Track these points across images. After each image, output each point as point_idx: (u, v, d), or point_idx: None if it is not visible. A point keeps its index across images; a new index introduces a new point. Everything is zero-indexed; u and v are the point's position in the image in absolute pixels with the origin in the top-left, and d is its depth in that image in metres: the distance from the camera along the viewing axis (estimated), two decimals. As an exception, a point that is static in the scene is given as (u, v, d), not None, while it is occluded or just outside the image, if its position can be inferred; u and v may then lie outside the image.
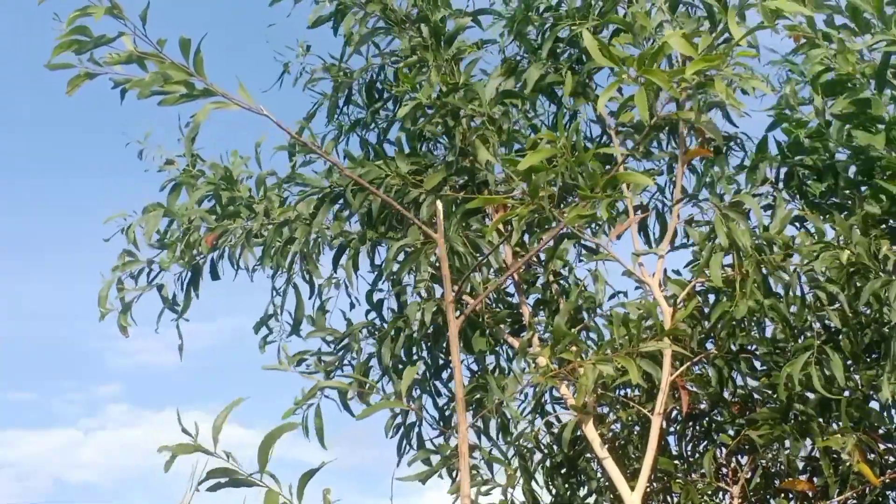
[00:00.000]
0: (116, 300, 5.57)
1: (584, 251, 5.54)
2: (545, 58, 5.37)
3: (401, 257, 5.07)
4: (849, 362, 5.02)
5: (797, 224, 5.32)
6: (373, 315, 5.61)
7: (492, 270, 5.21)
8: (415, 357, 5.45)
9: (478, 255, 5.03)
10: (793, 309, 4.99)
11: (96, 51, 3.60)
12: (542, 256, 5.39)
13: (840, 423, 5.10)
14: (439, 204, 4.10)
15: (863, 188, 5.33)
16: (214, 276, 5.55)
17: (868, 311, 5.10)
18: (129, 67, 3.66)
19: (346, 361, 5.53)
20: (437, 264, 4.66)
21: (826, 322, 5.16)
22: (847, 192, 5.38)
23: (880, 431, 5.25)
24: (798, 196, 5.49)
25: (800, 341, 5.04)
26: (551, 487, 5.62)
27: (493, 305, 5.57)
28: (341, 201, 5.28)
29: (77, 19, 3.56)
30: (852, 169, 5.39)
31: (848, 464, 5.00)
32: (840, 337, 5.09)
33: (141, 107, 3.75)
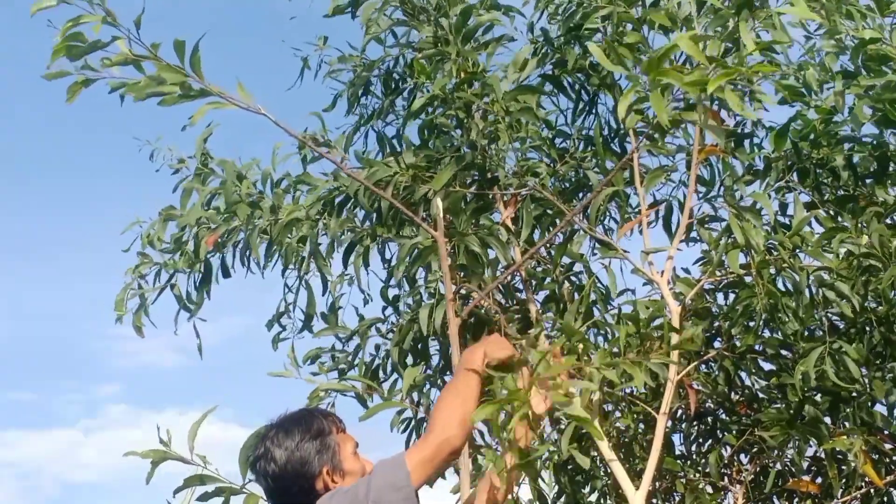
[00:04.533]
0: (129, 302, 5.63)
1: (597, 245, 5.52)
2: (566, 34, 5.36)
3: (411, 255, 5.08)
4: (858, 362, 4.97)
5: (809, 224, 5.29)
6: (389, 311, 5.63)
7: (500, 267, 5.21)
8: (425, 353, 5.47)
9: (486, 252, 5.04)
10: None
11: (92, 55, 3.64)
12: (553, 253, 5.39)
13: (847, 424, 5.08)
14: (438, 201, 4.11)
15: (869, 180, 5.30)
16: (225, 273, 5.59)
17: (878, 308, 5.06)
18: (126, 70, 3.70)
19: (359, 358, 5.56)
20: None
21: (834, 322, 5.15)
22: (860, 185, 5.34)
23: (885, 432, 5.21)
24: (813, 192, 5.45)
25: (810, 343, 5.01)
26: (556, 485, 5.63)
27: (505, 303, 5.57)
28: (350, 203, 5.28)
29: (70, 29, 3.58)
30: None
31: (853, 465, 4.97)
32: (851, 332, 5.07)
33: (142, 106, 3.78)
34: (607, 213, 5.66)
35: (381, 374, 5.64)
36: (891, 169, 5.27)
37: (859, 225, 4.95)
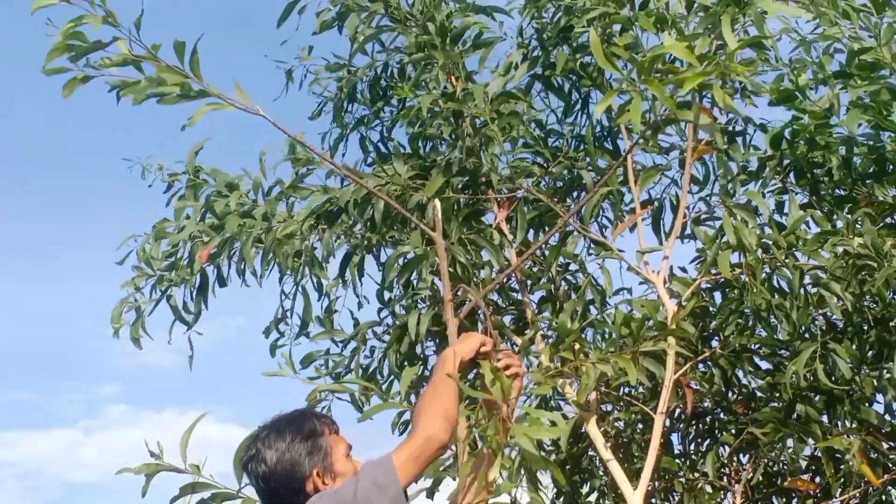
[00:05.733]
0: (127, 314, 5.61)
1: (592, 245, 5.52)
2: (555, 37, 5.36)
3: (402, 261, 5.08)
4: (850, 364, 4.97)
5: (806, 223, 5.29)
6: (384, 313, 5.62)
7: (494, 270, 5.21)
8: (421, 355, 5.47)
9: (480, 255, 5.04)
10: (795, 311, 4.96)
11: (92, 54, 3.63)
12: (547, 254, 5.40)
13: (843, 423, 5.10)
14: (437, 202, 4.12)
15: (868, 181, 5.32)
16: (221, 283, 5.58)
17: (874, 307, 5.07)
18: (125, 71, 3.69)
19: (355, 361, 5.55)
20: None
21: (830, 319, 5.16)
22: (859, 185, 5.35)
23: (882, 430, 5.22)
24: (809, 193, 5.46)
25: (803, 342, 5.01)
26: (554, 486, 5.62)
27: (500, 304, 5.58)
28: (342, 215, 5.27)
29: (72, 29, 3.58)
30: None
31: (850, 464, 4.98)
32: (845, 332, 5.08)
33: (141, 107, 3.77)
34: (601, 212, 5.65)
35: (378, 376, 5.63)
36: (889, 169, 5.29)
37: (854, 225, 4.96)
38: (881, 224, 5.09)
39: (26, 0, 3.55)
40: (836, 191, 5.46)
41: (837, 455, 5.20)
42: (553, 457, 5.53)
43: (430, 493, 4.80)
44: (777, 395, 5.29)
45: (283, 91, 6.12)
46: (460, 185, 5.23)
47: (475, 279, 4.98)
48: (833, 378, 4.92)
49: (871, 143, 5.29)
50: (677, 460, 5.54)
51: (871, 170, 5.34)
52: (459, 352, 3.15)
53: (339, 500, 2.74)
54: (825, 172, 5.42)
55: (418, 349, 5.48)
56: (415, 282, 5.22)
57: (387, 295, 5.58)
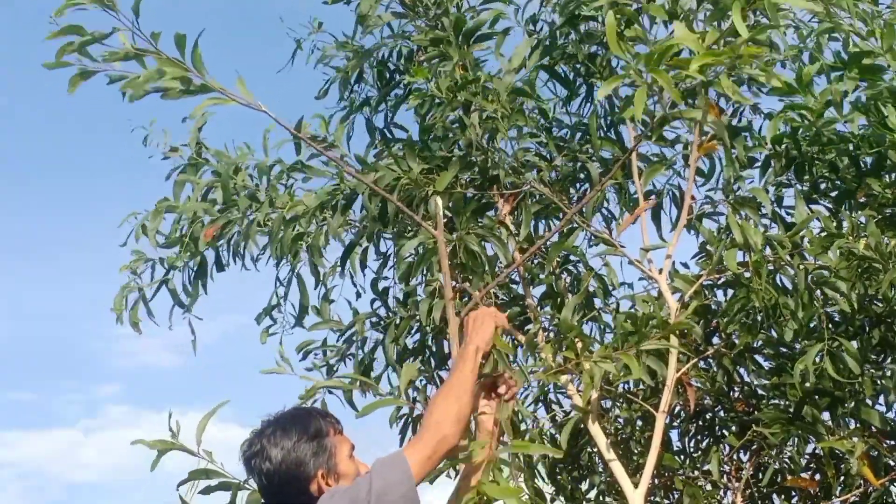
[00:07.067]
0: (127, 298, 5.55)
1: (593, 238, 5.47)
2: (564, 23, 5.30)
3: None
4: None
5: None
6: (378, 304, 5.57)
7: (498, 263, 5.16)
8: (420, 347, 5.43)
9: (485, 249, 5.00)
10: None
11: (93, 47, 3.57)
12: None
13: (846, 423, 5.08)
14: (438, 200, 4.07)
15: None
16: (220, 267, 5.52)
17: (879, 307, 5.04)
18: (127, 65, 3.63)
19: (350, 352, 5.50)
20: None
21: (835, 318, 5.13)
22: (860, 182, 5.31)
23: (886, 429, 5.20)
24: (810, 188, 5.42)
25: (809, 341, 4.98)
26: (555, 482, 5.60)
27: (503, 297, 5.54)
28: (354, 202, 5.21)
29: (67, 9, 3.52)
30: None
31: (851, 464, 4.96)
32: (850, 330, 5.06)
33: (142, 106, 3.72)
34: (605, 203, 5.59)
35: (373, 369, 5.58)
36: (887, 163, 5.25)
37: (857, 224, 4.92)
38: (879, 217, 5.05)
39: (26, 0, 3.50)
40: (836, 182, 5.42)
41: (840, 454, 5.18)
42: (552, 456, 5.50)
43: (432, 479, 4.79)
44: (780, 394, 5.26)
45: (289, 62, 6.09)
46: (469, 179, 5.18)
47: (485, 269, 4.94)
48: (840, 374, 4.89)
49: (872, 139, 5.25)
50: (677, 458, 5.51)
51: (871, 165, 5.31)
52: (482, 345, 3.14)
53: (352, 497, 2.74)
54: (825, 166, 5.38)
55: (414, 340, 5.46)
56: (422, 273, 5.17)
57: (381, 284, 5.54)
